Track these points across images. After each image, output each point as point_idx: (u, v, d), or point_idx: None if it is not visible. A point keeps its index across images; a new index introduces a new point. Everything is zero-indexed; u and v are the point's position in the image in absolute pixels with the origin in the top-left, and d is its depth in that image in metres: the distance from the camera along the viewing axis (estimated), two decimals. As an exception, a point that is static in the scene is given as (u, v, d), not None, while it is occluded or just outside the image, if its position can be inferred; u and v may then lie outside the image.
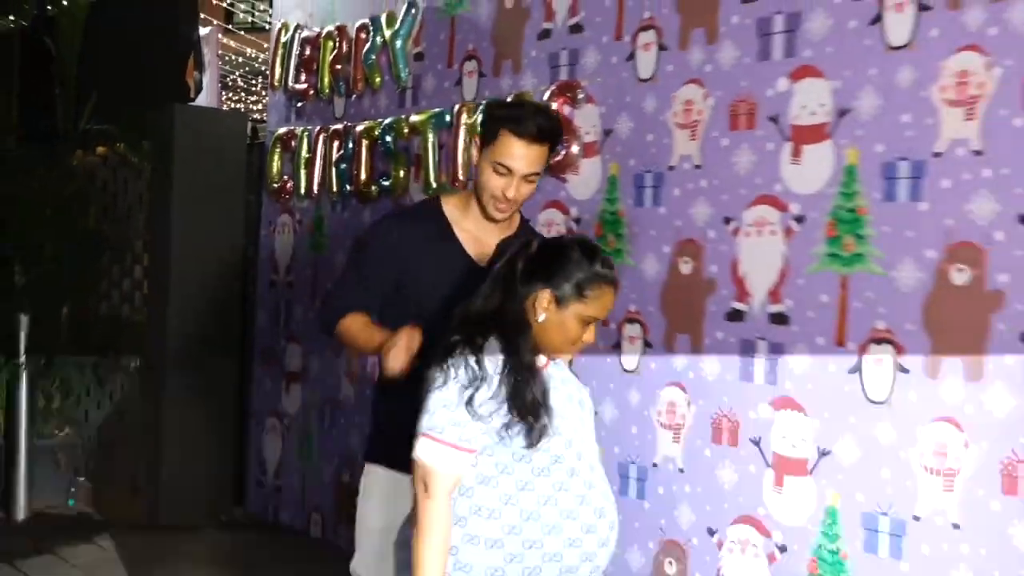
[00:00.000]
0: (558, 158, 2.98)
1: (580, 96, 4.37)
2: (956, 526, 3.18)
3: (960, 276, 3.08)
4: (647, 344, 4.09)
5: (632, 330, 4.12)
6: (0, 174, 6.21)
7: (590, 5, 4.40)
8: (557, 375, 2.42)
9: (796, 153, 3.53)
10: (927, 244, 3.16)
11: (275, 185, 6.03)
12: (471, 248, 2.74)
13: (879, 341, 3.30)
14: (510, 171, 2.61)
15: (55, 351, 6.20)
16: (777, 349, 3.61)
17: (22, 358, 5.86)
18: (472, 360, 2.27)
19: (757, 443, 3.66)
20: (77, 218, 6.33)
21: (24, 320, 5.92)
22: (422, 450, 2.28)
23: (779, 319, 3.59)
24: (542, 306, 2.25)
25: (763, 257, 3.67)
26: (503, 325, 2.31)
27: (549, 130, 2.66)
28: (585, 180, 4.32)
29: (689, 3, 3.95)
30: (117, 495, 6.19)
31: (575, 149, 4.38)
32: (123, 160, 6.50)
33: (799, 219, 3.52)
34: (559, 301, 2.26)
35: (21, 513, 5.80)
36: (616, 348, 4.21)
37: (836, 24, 3.43)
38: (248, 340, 6.33)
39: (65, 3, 6.92)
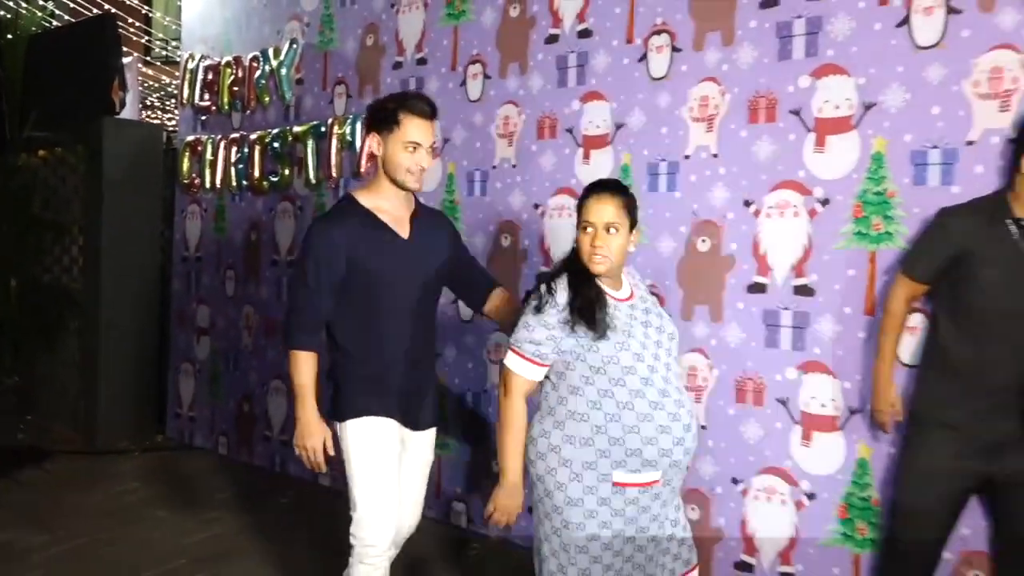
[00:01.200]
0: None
1: None
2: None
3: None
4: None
5: None
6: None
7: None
8: (640, 306, 2.43)
9: (820, 142, 3.27)
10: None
11: (185, 181, 6.05)
12: (395, 226, 2.62)
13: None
14: (419, 145, 2.52)
15: (6, 316, 6.05)
16: (802, 319, 3.32)
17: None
18: (545, 290, 2.38)
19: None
20: (23, 207, 6.22)
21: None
22: (507, 360, 2.41)
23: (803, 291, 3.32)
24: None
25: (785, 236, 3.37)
26: (570, 266, 2.42)
27: (433, 108, 2.61)
28: (596, 168, 3.94)
29: (703, 8, 3.62)
30: (61, 429, 6.12)
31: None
32: (61, 160, 6.41)
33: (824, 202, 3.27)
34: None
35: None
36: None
37: (859, 26, 3.16)
38: (166, 303, 6.32)
39: (9, 36, 6.78)
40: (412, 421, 2.72)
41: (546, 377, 2.43)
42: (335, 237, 2.56)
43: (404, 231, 2.63)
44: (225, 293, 5.85)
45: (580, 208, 2.42)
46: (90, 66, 6.21)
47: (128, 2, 10.45)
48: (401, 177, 2.58)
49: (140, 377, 6.18)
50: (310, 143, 5.17)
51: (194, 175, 6.00)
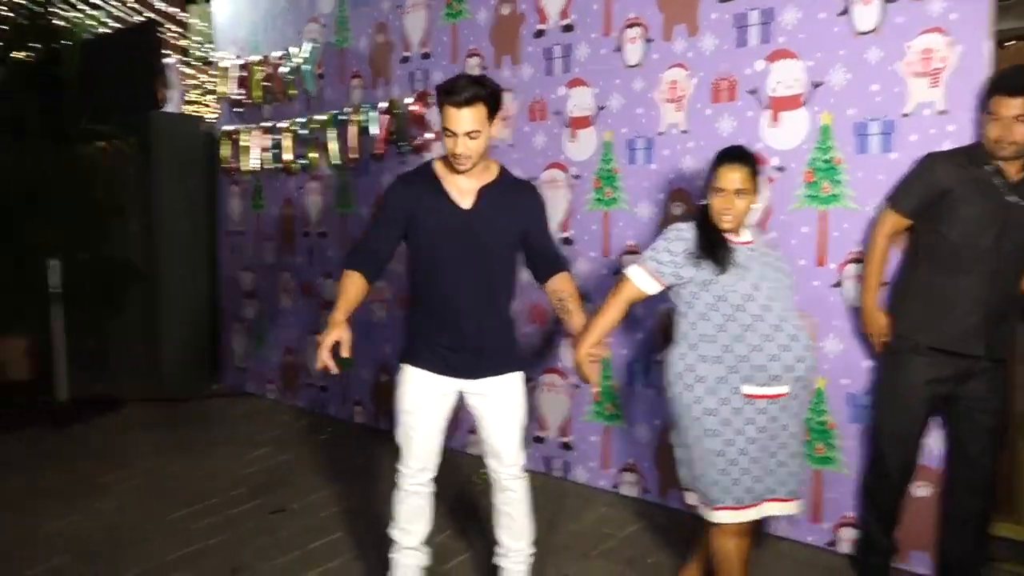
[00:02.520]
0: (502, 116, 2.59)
1: (430, 101, 4.54)
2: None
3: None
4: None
5: (629, 260, 3.32)
6: (29, 164, 5.97)
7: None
8: (759, 250, 2.41)
9: (775, 118, 3.22)
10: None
11: (224, 165, 5.97)
12: (457, 196, 2.44)
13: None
14: (454, 133, 2.31)
15: (79, 287, 6.00)
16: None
17: (53, 290, 5.68)
18: (680, 225, 2.43)
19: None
20: (87, 192, 6.14)
21: (54, 265, 5.73)
22: (628, 269, 2.46)
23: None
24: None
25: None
26: (700, 218, 2.41)
27: (475, 95, 2.28)
28: (582, 145, 3.89)
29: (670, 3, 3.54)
30: (132, 382, 6.13)
31: (429, 136, 4.59)
32: (117, 150, 6.31)
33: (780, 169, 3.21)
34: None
35: (63, 394, 5.69)
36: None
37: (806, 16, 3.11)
38: (215, 270, 6.28)
39: (65, 42, 6.61)
40: (468, 371, 2.53)
41: (677, 311, 2.47)
42: (400, 193, 2.49)
43: (466, 201, 2.44)
44: (265, 261, 5.80)
45: (713, 173, 2.40)
46: (137, 66, 6.07)
47: (167, 9, 10.19)
48: (449, 159, 2.41)
49: (197, 335, 6.14)
50: (332, 129, 5.07)
51: (232, 160, 5.89)
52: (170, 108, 6.36)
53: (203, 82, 10.88)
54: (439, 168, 2.50)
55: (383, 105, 4.76)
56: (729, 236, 2.40)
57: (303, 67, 5.28)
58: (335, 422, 5.19)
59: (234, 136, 5.85)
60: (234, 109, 5.95)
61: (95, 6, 8.27)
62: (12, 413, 5.43)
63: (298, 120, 5.35)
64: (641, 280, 2.44)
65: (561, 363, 4.03)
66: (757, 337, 2.28)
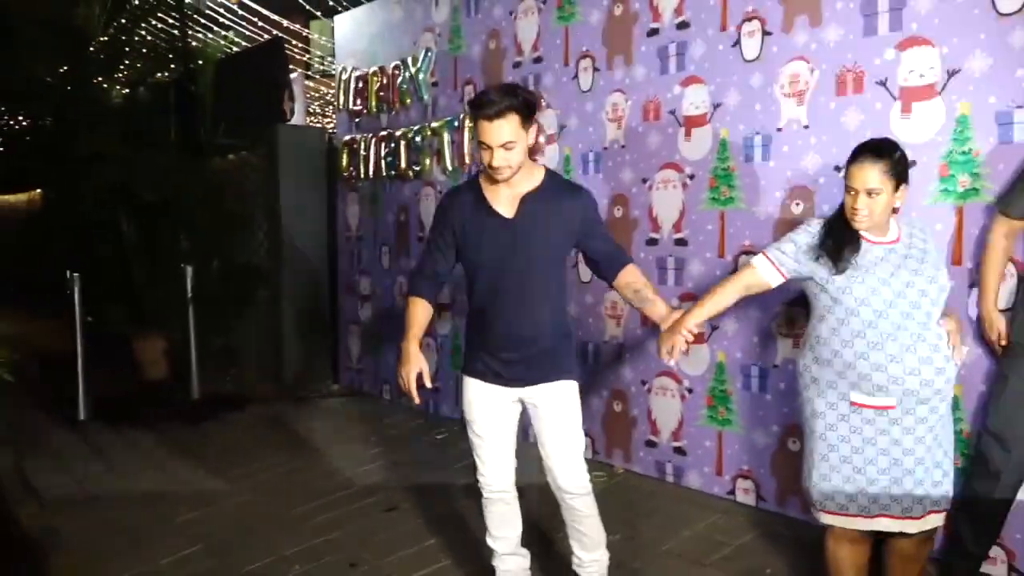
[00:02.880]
0: (537, 127, 2.48)
1: (543, 105, 4.51)
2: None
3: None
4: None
5: (745, 261, 3.27)
6: (166, 177, 6.38)
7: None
8: (901, 251, 2.25)
9: (906, 109, 3.02)
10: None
11: (344, 174, 6.15)
12: (501, 206, 2.41)
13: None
14: (488, 146, 2.29)
15: (210, 291, 6.34)
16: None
17: (189, 294, 6.03)
18: (814, 220, 2.39)
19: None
20: (218, 202, 6.49)
21: (189, 271, 6.08)
22: (754, 258, 2.44)
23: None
24: None
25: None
26: (836, 215, 2.32)
27: (507, 107, 2.25)
28: (694, 145, 3.79)
29: None
30: (257, 380, 6.41)
31: (541, 139, 4.60)
32: (246, 162, 6.66)
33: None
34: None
35: (195, 393, 6.01)
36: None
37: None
38: (334, 275, 6.47)
39: (200, 62, 7.03)
40: (518, 380, 2.50)
41: (810, 313, 2.41)
42: (448, 207, 2.52)
43: (509, 211, 2.41)
44: (382, 266, 5.95)
45: (847, 171, 2.26)
46: (265, 82, 6.39)
47: (291, 26, 10.70)
48: (488, 171, 2.38)
49: (317, 337, 6.37)
50: (446, 136, 5.16)
51: (351, 168, 6.07)
52: (294, 120, 6.65)
53: (324, 94, 11.37)
54: (483, 180, 2.47)
55: (495, 110, 4.78)
56: (865, 235, 2.27)
57: (417, 75, 5.39)
58: (448, 422, 5.25)
59: (353, 145, 6.03)
60: (353, 119, 6.12)
61: (227, 27, 8.79)
62: (150, 410, 5.78)
63: (413, 127, 5.46)
64: (763, 268, 2.38)
65: (676, 366, 3.88)
66: (865, 344, 2.18)
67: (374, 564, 3.20)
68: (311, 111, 9.53)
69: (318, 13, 10.22)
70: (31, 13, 6.98)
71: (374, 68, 5.83)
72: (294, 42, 10.49)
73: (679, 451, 3.98)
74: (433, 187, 5.41)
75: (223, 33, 8.69)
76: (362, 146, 5.91)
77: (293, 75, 6.98)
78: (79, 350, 5.67)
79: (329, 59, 12.40)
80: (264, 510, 3.87)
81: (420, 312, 2.53)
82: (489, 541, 2.69)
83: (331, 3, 9.44)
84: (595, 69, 4.28)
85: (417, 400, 2.46)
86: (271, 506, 3.91)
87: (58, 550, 3.51)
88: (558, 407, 2.50)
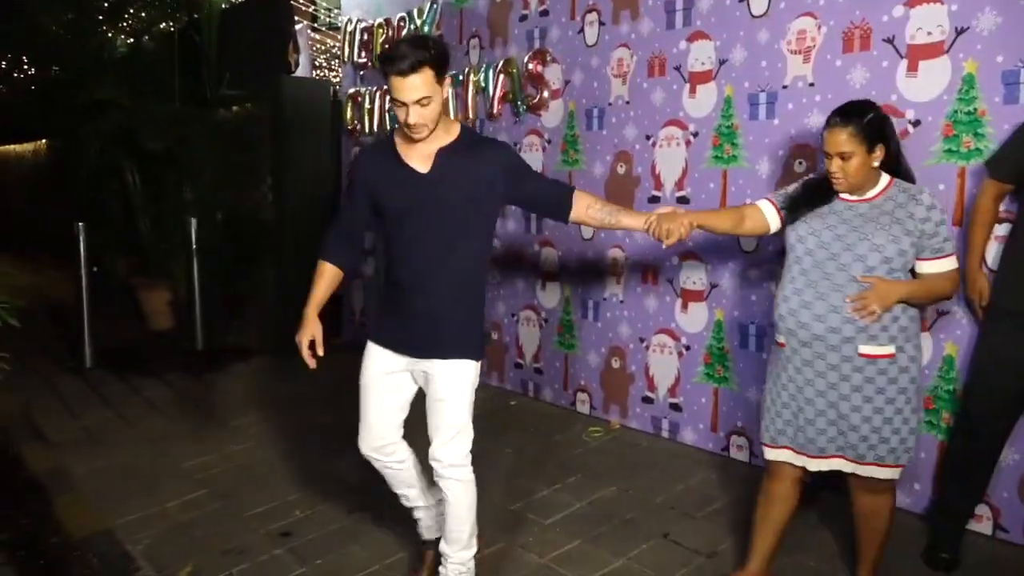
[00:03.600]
0: (449, 81, 2.40)
1: (548, 59, 4.53)
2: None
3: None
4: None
5: None
6: (170, 127, 6.36)
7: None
8: (872, 211, 2.26)
9: (912, 68, 3.00)
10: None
11: (349, 127, 6.12)
12: (415, 161, 2.32)
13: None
14: (403, 102, 2.18)
15: (214, 244, 6.35)
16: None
17: (194, 246, 6.05)
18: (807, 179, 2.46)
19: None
20: (223, 154, 6.48)
21: (193, 223, 6.10)
22: (759, 200, 2.51)
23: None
24: None
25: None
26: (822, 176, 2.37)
27: (418, 61, 2.13)
28: (699, 102, 3.76)
29: None
30: (262, 332, 6.39)
31: (546, 95, 4.58)
32: (250, 114, 6.63)
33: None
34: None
35: (200, 343, 6.07)
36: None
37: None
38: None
39: (205, 11, 6.96)
40: (416, 348, 2.38)
41: None
42: (360, 166, 2.45)
43: (424, 166, 2.30)
44: (385, 220, 5.94)
45: (822, 135, 2.32)
46: (269, 33, 6.33)
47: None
48: (404, 129, 2.27)
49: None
50: (450, 90, 5.12)
51: (356, 122, 6.05)
52: (299, 72, 6.60)
53: (329, 47, 11.26)
54: (398, 137, 2.38)
55: (500, 65, 4.75)
56: (843, 194, 2.33)
57: (423, 28, 5.34)
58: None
59: (357, 98, 6.00)
60: (358, 72, 6.07)
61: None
62: (156, 359, 5.85)
63: (418, 81, 5.41)
64: (766, 207, 2.48)
65: (674, 324, 3.97)
66: (792, 288, 2.30)
67: (376, 512, 3.26)
68: (317, 64, 9.44)
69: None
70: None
71: (379, 20, 5.77)
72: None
73: (675, 407, 4.02)
74: (437, 142, 5.39)
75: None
76: (366, 99, 5.88)
77: (298, 26, 6.90)
78: (84, 299, 5.72)
79: (336, 11, 12.28)
80: (267, 458, 3.94)
81: (325, 277, 2.46)
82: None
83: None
84: (601, 23, 4.24)
85: (312, 365, 2.36)
86: (274, 454, 3.99)
87: (65, 492, 3.61)
88: (452, 384, 2.36)
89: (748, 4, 3.57)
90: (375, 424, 2.47)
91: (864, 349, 2.21)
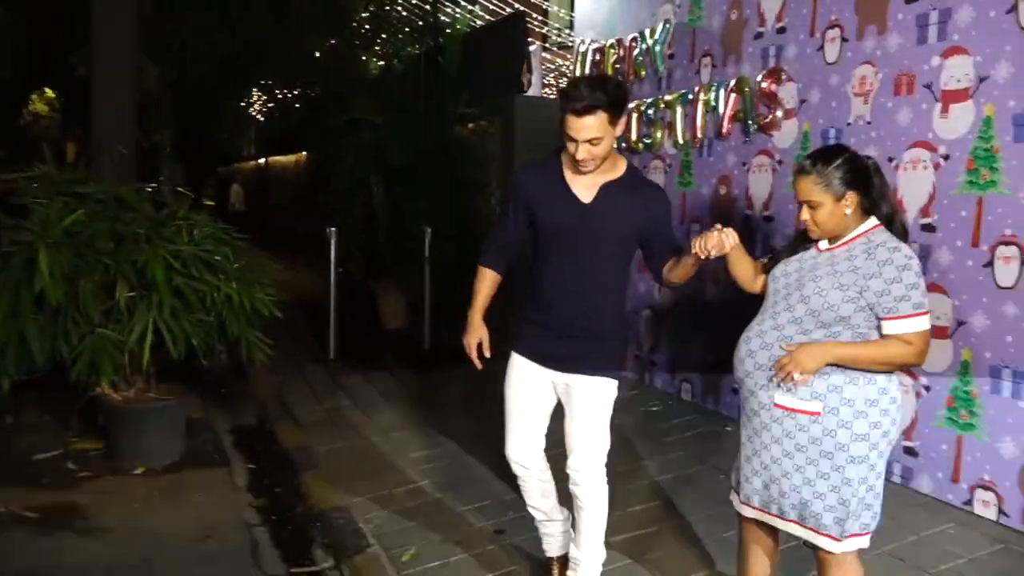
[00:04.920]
0: (626, 120, 2.51)
1: (783, 77, 4.41)
2: None
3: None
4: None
5: (1004, 252, 3.29)
6: (413, 143, 6.88)
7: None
8: (829, 259, 2.16)
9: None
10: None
11: (577, 145, 6.32)
12: (579, 189, 2.43)
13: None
14: (574, 139, 2.28)
15: (445, 253, 6.76)
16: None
17: (427, 253, 6.49)
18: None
19: None
20: (457, 167, 6.90)
21: (428, 232, 6.53)
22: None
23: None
24: None
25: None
26: None
27: (594, 104, 2.23)
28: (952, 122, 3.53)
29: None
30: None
31: (779, 114, 4.45)
32: (483, 131, 7.01)
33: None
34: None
35: (427, 344, 6.47)
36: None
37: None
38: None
39: (448, 32, 7.46)
40: (558, 361, 2.50)
41: None
42: (524, 182, 2.53)
43: (587, 196, 2.42)
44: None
45: None
46: (506, 55, 6.66)
47: (532, 0, 11.02)
48: (573, 162, 2.38)
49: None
50: (679, 109, 5.13)
51: (583, 139, 6.19)
52: (531, 92, 6.89)
53: (559, 66, 11.62)
54: (566, 161, 2.46)
55: (731, 83, 4.68)
56: (818, 242, 2.23)
57: (654, 47, 5.38)
58: (664, 395, 5.25)
59: (585, 117, 6.14)
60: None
61: (473, 1, 9.24)
62: (388, 355, 6.35)
63: (646, 100, 5.47)
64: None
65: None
66: (754, 323, 2.23)
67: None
68: (547, 83, 9.78)
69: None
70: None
71: (611, 40, 5.89)
72: (533, 15, 10.79)
73: (909, 451, 3.72)
74: (663, 160, 5.41)
75: (469, 7, 9.15)
76: (594, 118, 6.00)
77: (532, 47, 7.20)
78: (332, 297, 6.34)
79: (566, 31, 12.65)
80: (485, 456, 4.15)
81: (486, 285, 2.61)
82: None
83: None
84: (843, 39, 4.05)
85: (479, 366, 2.57)
86: (491, 454, 4.19)
87: (311, 468, 4.03)
88: (588, 400, 2.48)
89: (1018, 16, 3.26)
90: (519, 433, 2.60)
91: (780, 399, 2.11)
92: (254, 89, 13.57)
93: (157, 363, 3.97)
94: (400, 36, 8.28)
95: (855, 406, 2.06)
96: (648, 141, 5.47)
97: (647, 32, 5.47)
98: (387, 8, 8.35)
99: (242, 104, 14.23)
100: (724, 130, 4.75)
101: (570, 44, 6.46)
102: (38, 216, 3.62)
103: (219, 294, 3.84)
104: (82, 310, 3.56)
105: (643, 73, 5.55)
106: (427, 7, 8.27)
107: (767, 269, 2.31)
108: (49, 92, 17.16)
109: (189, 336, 3.73)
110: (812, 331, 2.09)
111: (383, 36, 8.56)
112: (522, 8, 8.07)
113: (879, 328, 2.08)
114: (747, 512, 2.29)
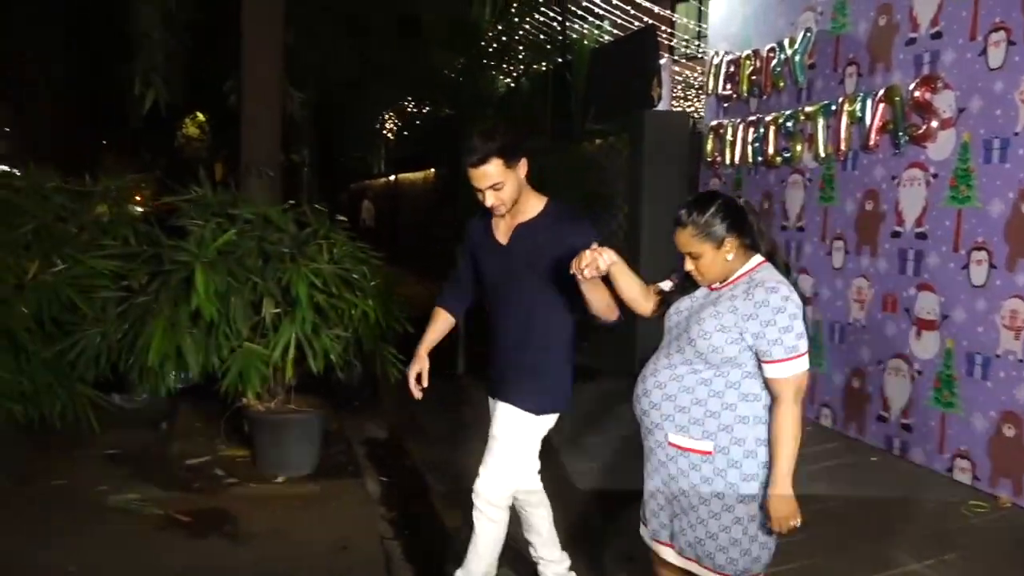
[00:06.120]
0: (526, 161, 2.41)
1: (939, 85, 4.14)
2: None
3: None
4: (992, 266, 3.80)
5: (976, 256, 3.90)
6: (539, 157, 6.90)
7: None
8: (713, 298, 2.12)
9: None
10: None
11: (709, 159, 6.17)
12: (499, 233, 2.55)
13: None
14: (478, 189, 2.40)
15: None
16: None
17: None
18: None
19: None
20: (583, 182, 6.87)
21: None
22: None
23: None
24: None
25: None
26: None
27: (484, 156, 2.33)
28: (940, 147, 4.12)
29: None
30: (609, 355, 6.63)
31: (934, 124, 4.18)
32: (611, 147, 6.96)
33: None
34: None
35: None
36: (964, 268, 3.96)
37: None
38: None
39: (575, 49, 7.47)
40: (495, 392, 2.65)
41: None
42: (468, 229, 2.69)
43: (504, 237, 2.53)
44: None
45: None
46: (635, 69, 6.60)
47: (659, 12, 10.88)
48: None
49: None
50: (820, 121, 4.91)
51: (716, 154, 6.05)
52: (660, 106, 6.78)
53: (686, 78, 11.42)
54: None
55: (880, 93, 4.43)
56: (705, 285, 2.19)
57: (794, 58, 5.18)
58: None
59: (719, 131, 6.00)
60: (721, 104, 6.07)
61: (601, 17, 9.22)
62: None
63: (784, 112, 5.28)
64: (665, 285, 2.36)
65: (909, 349, 4.27)
66: (651, 360, 2.23)
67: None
68: (674, 95, 9.63)
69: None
70: (435, 11, 7.99)
71: (747, 52, 5.73)
72: (660, 26, 10.66)
73: (906, 428, 4.13)
74: (802, 175, 5.19)
75: (596, 23, 9.13)
76: (729, 131, 5.86)
77: (662, 61, 7.10)
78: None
79: (695, 43, 12.43)
80: (616, 477, 4.07)
81: (437, 322, 2.74)
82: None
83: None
84: (1010, 43, 3.75)
85: (417, 395, 2.65)
86: (626, 475, 4.10)
87: (440, 482, 4.07)
88: (504, 426, 2.56)
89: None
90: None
91: (673, 438, 2.11)
92: (384, 108, 14.06)
93: (297, 376, 4.12)
94: (528, 54, 8.34)
95: (745, 445, 2.05)
96: (787, 155, 5.27)
97: (786, 42, 5.28)
98: (515, 22, 8.43)
99: (373, 122, 14.77)
100: (871, 142, 4.51)
101: (698, 56, 6.32)
102: (195, 237, 3.85)
103: (356, 311, 3.95)
104: (232, 325, 3.74)
105: (781, 84, 5.36)
106: (556, 24, 8.31)
107: (659, 295, 2.30)
108: (200, 116, 18.45)
109: (328, 351, 3.85)
110: (702, 371, 2.09)
111: (511, 54, 8.65)
112: (652, 23, 7.98)
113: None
114: (655, 547, 2.29)
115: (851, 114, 4.64)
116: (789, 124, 5.21)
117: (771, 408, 2.04)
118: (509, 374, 2.58)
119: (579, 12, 9.19)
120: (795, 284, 2.07)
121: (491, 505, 2.59)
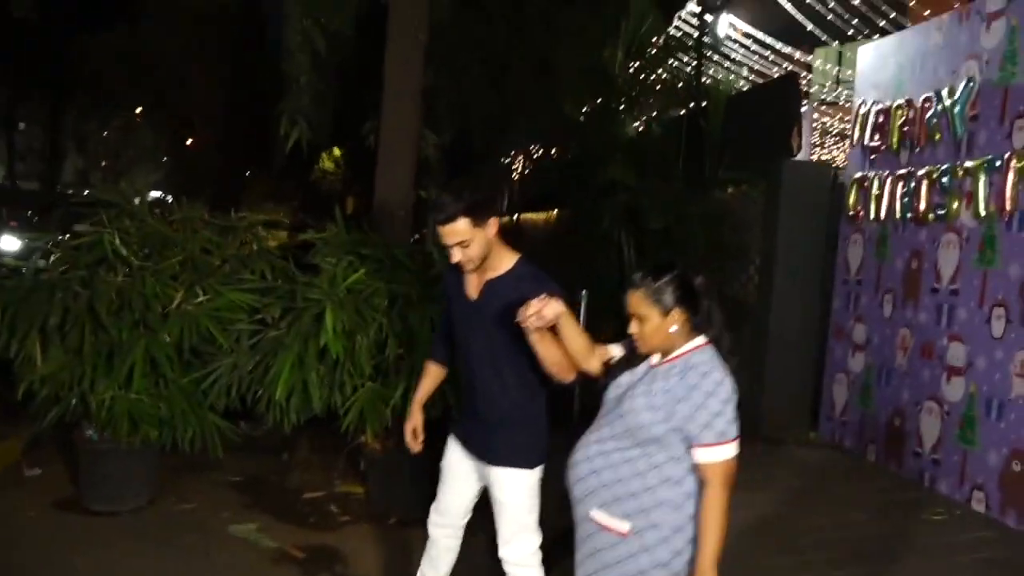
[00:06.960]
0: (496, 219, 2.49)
1: None
2: None
3: None
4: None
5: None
6: (671, 207, 6.76)
7: None
8: (650, 374, 2.15)
9: None
10: None
11: (851, 213, 5.85)
12: (470, 288, 2.60)
13: None
14: (446, 245, 2.47)
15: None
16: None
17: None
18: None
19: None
20: (716, 232, 6.67)
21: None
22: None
23: None
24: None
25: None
26: None
27: (452, 215, 2.40)
28: None
29: None
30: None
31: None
32: (745, 195, 6.72)
33: None
34: None
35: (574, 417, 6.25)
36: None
37: None
38: (825, 318, 6.16)
39: (711, 95, 7.31)
40: (474, 447, 2.68)
41: None
42: (444, 281, 2.78)
43: (474, 292, 2.58)
44: (882, 314, 5.49)
45: None
46: (776, 117, 6.38)
47: (800, 57, 10.54)
48: None
49: (800, 381, 6.12)
50: (982, 177, 4.55)
51: (859, 207, 5.73)
52: (800, 155, 6.52)
53: (824, 124, 10.98)
54: None
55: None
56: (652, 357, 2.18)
57: (953, 109, 4.84)
58: (947, 503, 4.60)
59: (864, 183, 5.69)
60: (868, 156, 5.76)
61: (739, 63, 9.01)
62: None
63: (940, 166, 4.93)
64: (615, 349, 2.33)
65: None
66: (577, 444, 2.22)
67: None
68: (813, 142, 9.28)
69: (832, 41, 9.89)
70: (567, 56, 8.02)
71: (899, 101, 5.41)
72: (799, 71, 10.31)
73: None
74: (958, 234, 4.81)
75: (734, 69, 8.93)
76: (875, 184, 5.54)
77: (803, 109, 6.84)
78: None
79: (835, 87, 11.97)
80: (733, 552, 3.82)
81: (427, 377, 2.86)
82: None
83: (847, 29, 9.06)
84: None
85: (415, 449, 2.79)
86: (743, 549, 3.85)
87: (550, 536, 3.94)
88: (503, 493, 2.59)
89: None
90: (445, 505, 2.79)
91: (594, 514, 2.12)
92: (512, 149, 14.28)
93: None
94: (661, 99, 8.25)
95: (660, 531, 2.05)
96: (941, 211, 4.91)
97: (944, 91, 4.95)
98: (650, 67, 8.35)
99: (503, 165, 15.03)
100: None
101: (836, 102, 6.03)
102: (327, 275, 3.95)
103: (477, 355, 3.91)
104: (356, 364, 3.79)
105: (937, 137, 5.02)
106: (690, 69, 8.18)
107: (605, 358, 2.29)
108: (336, 151, 19.33)
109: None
110: (627, 449, 2.09)
111: (644, 98, 8.57)
112: (795, 69, 7.72)
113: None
114: None
115: (1020, 171, 4.27)
116: (945, 179, 4.86)
117: (697, 494, 2.03)
118: (484, 428, 2.63)
119: (715, 58, 9.03)
120: (733, 371, 2.08)
121: (521, 565, 2.64)
